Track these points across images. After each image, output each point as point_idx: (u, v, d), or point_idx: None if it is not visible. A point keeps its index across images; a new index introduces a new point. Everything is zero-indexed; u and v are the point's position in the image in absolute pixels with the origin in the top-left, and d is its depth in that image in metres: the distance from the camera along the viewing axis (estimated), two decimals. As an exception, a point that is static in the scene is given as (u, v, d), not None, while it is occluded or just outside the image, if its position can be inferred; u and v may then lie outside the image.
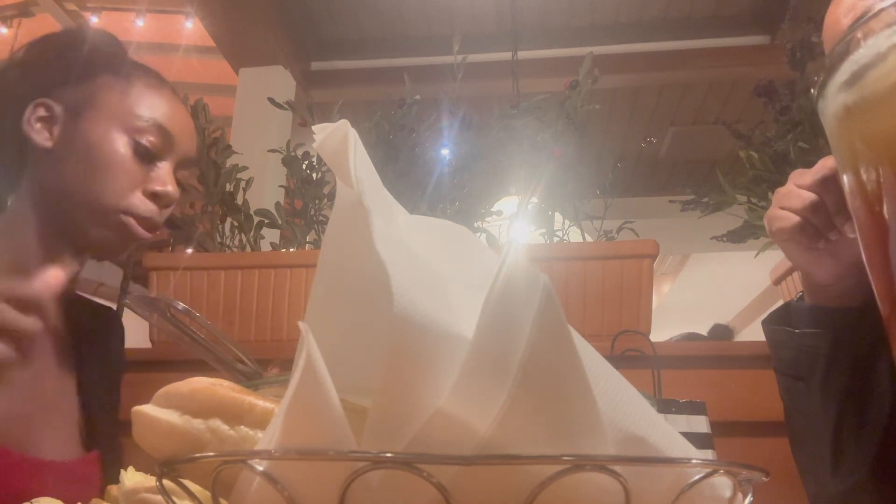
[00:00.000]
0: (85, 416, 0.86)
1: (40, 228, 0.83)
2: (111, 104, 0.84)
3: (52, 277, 0.61)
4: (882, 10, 0.31)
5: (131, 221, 0.83)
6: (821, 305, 0.76)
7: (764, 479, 0.32)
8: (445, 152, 1.50)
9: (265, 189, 2.48)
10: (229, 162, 1.55)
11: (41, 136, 0.82)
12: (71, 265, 0.87)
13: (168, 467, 0.32)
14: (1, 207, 0.87)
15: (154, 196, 0.84)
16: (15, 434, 0.76)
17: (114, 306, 1.15)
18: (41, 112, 0.83)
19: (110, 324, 1.00)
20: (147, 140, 0.83)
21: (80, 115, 0.83)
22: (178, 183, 0.89)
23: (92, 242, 0.85)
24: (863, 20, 0.31)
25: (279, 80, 3.46)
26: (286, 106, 1.74)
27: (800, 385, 0.77)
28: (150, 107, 0.85)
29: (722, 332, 4.84)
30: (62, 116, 0.83)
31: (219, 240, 1.53)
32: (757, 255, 1.40)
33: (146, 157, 0.84)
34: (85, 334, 0.91)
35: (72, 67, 0.85)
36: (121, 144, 0.82)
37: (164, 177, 0.85)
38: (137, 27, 3.81)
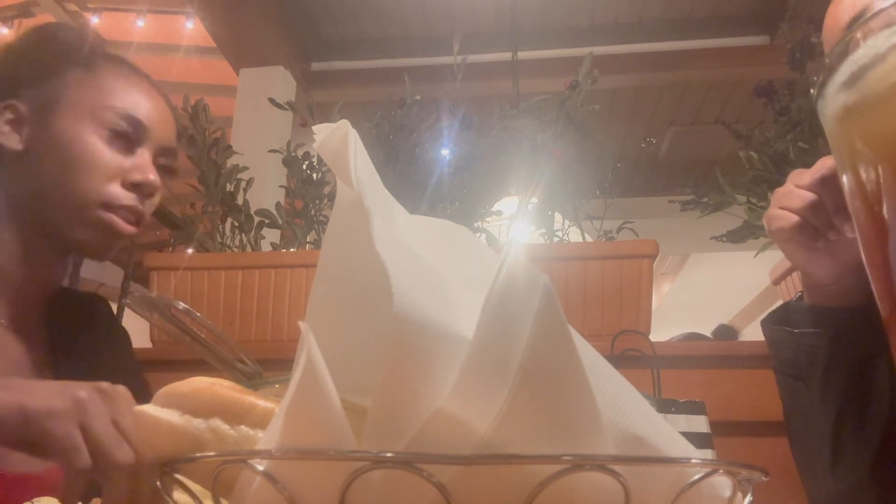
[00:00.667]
0: None
1: (20, 233, 0.81)
2: (79, 99, 0.82)
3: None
4: (881, 10, 0.31)
5: (113, 218, 0.81)
6: (820, 305, 0.76)
7: (763, 478, 0.32)
8: (445, 152, 1.50)
9: (266, 189, 2.48)
10: (230, 162, 1.55)
11: (11, 140, 0.81)
12: (55, 268, 0.86)
13: (169, 467, 0.32)
14: None
15: (135, 186, 0.82)
16: None
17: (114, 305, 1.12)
18: (8, 115, 0.81)
19: (92, 311, 0.96)
20: (120, 130, 0.81)
21: (48, 114, 0.81)
22: (160, 171, 0.86)
23: (75, 243, 0.83)
24: (862, 20, 0.31)
25: (279, 81, 3.46)
26: (286, 106, 1.74)
27: (799, 384, 0.77)
28: (120, 96, 0.83)
29: (726, 333, 4.82)
30: (30, 117, 0.81)
31: (219, 240, 1.53)
32: (757, 255, 1.40)
33: (121, 147, 0.82)
34: (64, 329, 0.88)
35: (36, 66, 0.84)
36: (93, 138, 0.80)
37: (143, 165, 0.83)
38: (138, 27, 3.81)
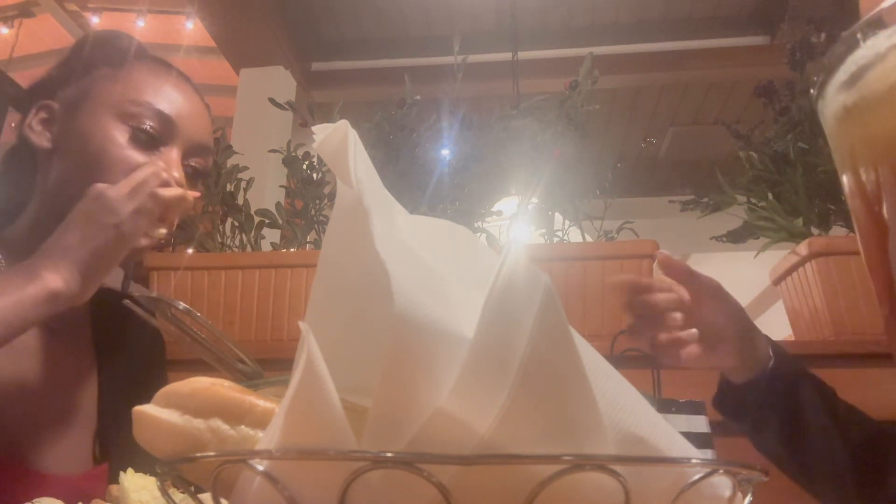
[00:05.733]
0: (101, 426, 0.83)
1: (51, 231, 0.78)
2: (105, 94, 0.80)
3: None
4: (882, 10, 0.31)
5: None
6: (729, 389, 0.81)
7: (763, 478, 0.32)
8: (445, 152, 1.50)
9: (266, 189, 2.48)
10: (230, 162, 1.55)
11: (42, 138, 0.80)
12: None
13: (169, 467, 0.32)
14: (15, 216, 0.84)
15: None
16: (22, 447, 0.74)
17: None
18: (42, 114, 0.81)
19: (138, 328, 0.92)
20: (146, 125, 0.78)
21: (75, 110, 0.80)
22: (191, 172, 0.83)
23: None
24: (862, 20, 0.31)
25: (280, 81, 3.46)
26: (287, 106, 1.74)
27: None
28: (148, 91, 0.80)
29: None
30: (61, 115, 0.81)
31: (219, 240, 1.53)
32: (757, 255, 1.40)
33: (146, 144, 0.79)
34: (108, 329, 0.87)
35: (69, 67, 0.83)
36: (117, 132, 0.78)
37: (167, 164, 0.79)
38: (138, 27, 3.81)
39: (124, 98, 0.79)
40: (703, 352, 0.76)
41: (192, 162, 0.84)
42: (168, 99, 0.81)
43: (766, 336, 0.79)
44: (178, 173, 0.80)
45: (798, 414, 0.74)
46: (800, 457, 0.74)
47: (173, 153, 0.81)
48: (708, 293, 0.77)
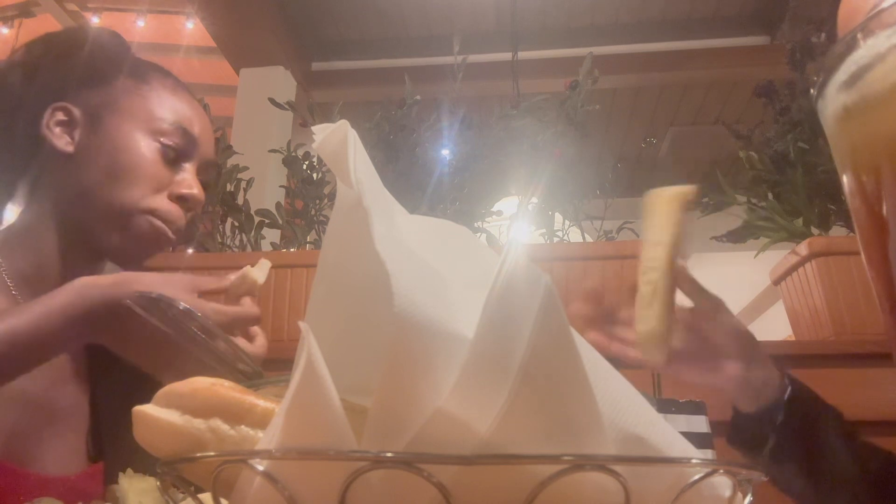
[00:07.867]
0: (95, 426, 0.83)
1: (59, 234, 0.81)
2: (133, 107, 0.82)
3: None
4: (881, 10, 0.31)
5: (157, 222, 0.81)
6: (741, 417, 0.79)
7: (763, 478, 0.32)
8: (445, 152, 1.50)
9: (266, 189, 2.49)
10: (230, 162, 1.55)
11: (62, 141, 0.80)
12: (92, 270, 0.84)
13: (169, 467, 0.32)
14: (3, 212, 0.85)
15: (180, 199, 0.83)
16: (18, 448, 0.74)
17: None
18: (60, 116, 0.81)
19: None
20: (172, 142, 0.82)
21: (101, 119, 0.81)
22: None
23: (114, 248, 0.82)
24: (862, 21, 0.31)
25: (280, 81, 3.46)
26: (287, 106, 1.74)
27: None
28: (172, 109, 0.84)
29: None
30: (82, 120, 0.81)
31: (219, 240, 1.53)
32: (757, 255, 1.40)
33: (171, 159, 0.82)
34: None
35: (85, 70, 0.84)
36: (146, 148, 0.81)
37: (189, 179, 0.83)
38: (138, 27, 3.81)
39: (153, 115, 0.82)
40: (700, 370, 0.76)
41: (201, 176, 0.87)
42: (189, 117, 0.85)
43: (782, 366, 0.78)
44: (198, 190, 0.84)
45: (820, 445, 0.72)
46: (820, 488, 0.73)
47: (192, 169, 0.85)
48: (711, 310, 0.77)
